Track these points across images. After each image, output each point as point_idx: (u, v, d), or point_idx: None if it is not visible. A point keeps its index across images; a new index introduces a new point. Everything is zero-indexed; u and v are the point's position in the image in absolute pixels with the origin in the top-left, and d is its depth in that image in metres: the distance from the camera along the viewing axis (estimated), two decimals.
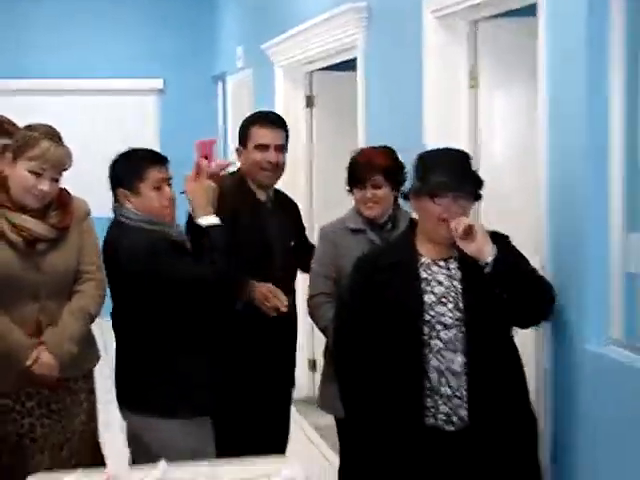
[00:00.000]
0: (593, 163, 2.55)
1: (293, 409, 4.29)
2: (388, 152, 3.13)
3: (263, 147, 3.23)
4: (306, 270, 3.36)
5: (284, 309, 3.10)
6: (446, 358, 2.43)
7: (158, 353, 2.68)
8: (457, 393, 2.42)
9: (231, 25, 7.62)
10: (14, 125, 2.90)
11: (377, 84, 4.43)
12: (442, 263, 2.55)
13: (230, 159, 3.16)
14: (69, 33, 8.03)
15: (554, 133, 2.76)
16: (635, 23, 2.49)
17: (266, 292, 3.13)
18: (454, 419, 2.42)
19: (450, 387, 2.42)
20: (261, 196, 3.34)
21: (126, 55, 7.97)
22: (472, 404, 2.41)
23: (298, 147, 5.36)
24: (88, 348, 2.85)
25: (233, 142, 6.49)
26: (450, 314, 2.46)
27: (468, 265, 2.48)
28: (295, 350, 3.41)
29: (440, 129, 3.58)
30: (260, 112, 3.77)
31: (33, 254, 2.66)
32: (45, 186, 2.61)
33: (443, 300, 2.48)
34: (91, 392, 2.91)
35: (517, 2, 3.14)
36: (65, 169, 2.69)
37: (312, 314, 3.14)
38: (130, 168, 2.71)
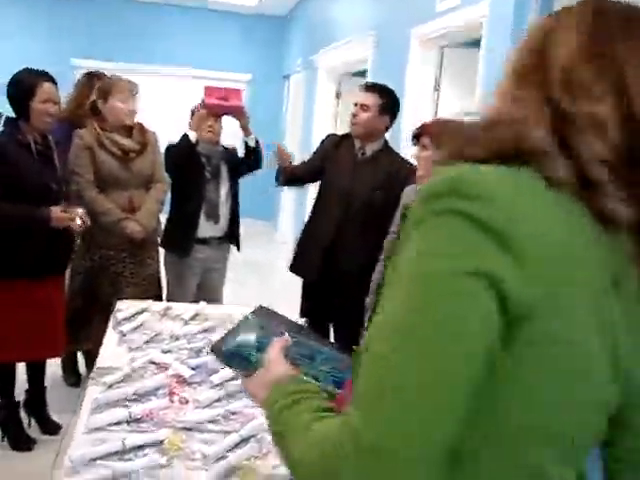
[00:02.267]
0: None
1: None
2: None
3: (354, 105, 3.46)
4: None
5: None
6: None
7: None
8: None
9: (296, 43, 9.32)
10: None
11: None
12: None
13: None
14: (199, 40, 10.09)
15: None
16: None
17: None
18: None
19: None
20: (356, 147, 3.48)
21: (232, 57, 10.10)
22: None
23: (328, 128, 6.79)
24: (158, 223, 3.76)
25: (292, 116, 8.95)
26: None
27: None
28: None
29: (413, 116, 4.32)
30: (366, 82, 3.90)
31: (126, 160, 3.48)
32: (132, 107, 3.47)
33: None
34: (158, 251, 3.78)
35: (469, 37, 3.92)
36: (136, 94, 3.50)
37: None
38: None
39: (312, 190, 7.38)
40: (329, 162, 3.53)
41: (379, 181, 3.36)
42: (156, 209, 3.62)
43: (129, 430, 1.78)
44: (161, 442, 1.71)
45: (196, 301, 3.59)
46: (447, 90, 4.33)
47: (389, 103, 3.41)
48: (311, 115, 7.66)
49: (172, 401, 1.97)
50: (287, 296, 4.36)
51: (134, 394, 1.97)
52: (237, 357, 1.22)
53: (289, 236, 8.57)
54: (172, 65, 9.89)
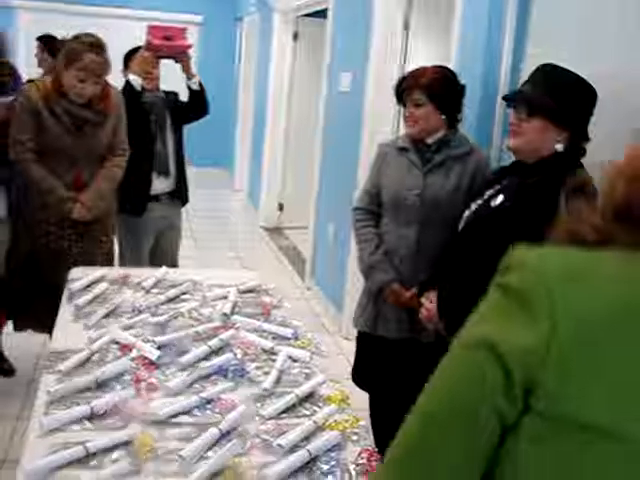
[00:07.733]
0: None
1: (264, 233, 5.49)
2: (437, 71, 2.54)
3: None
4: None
5: None
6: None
7: None
8: None
9: None
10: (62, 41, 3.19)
11: (341, 25, 4.93)
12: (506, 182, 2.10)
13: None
14: None
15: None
16: None
17: None
18: None
19: None
20: None
21: None
22: None
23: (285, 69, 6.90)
24: (111, 201, 3.24)
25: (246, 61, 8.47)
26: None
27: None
28: None
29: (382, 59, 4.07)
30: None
31: (79, 134, 3.00)
32: (87, 90, 2.95)
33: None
34: (114, 229, 3.32)
35: None
36: (102, 74, 2.97)
37: (353, 225, 2.76)
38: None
39: (269, 133, 7.14)
40: None
41: None
42: (106, 189, 3.14)
43: (92, 429, 1.55)
44: (129, 443, 1.49)
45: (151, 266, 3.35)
46: (417, 30, 4.02)
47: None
48: (267, 60, 7.30)
49: (138, 389, 1.74)
50: (250, 255, 4.15)
51: (95, 383, 1.73)
52: None
53: (245, 183, 8.29)
54: (110, 5, 9.13)
